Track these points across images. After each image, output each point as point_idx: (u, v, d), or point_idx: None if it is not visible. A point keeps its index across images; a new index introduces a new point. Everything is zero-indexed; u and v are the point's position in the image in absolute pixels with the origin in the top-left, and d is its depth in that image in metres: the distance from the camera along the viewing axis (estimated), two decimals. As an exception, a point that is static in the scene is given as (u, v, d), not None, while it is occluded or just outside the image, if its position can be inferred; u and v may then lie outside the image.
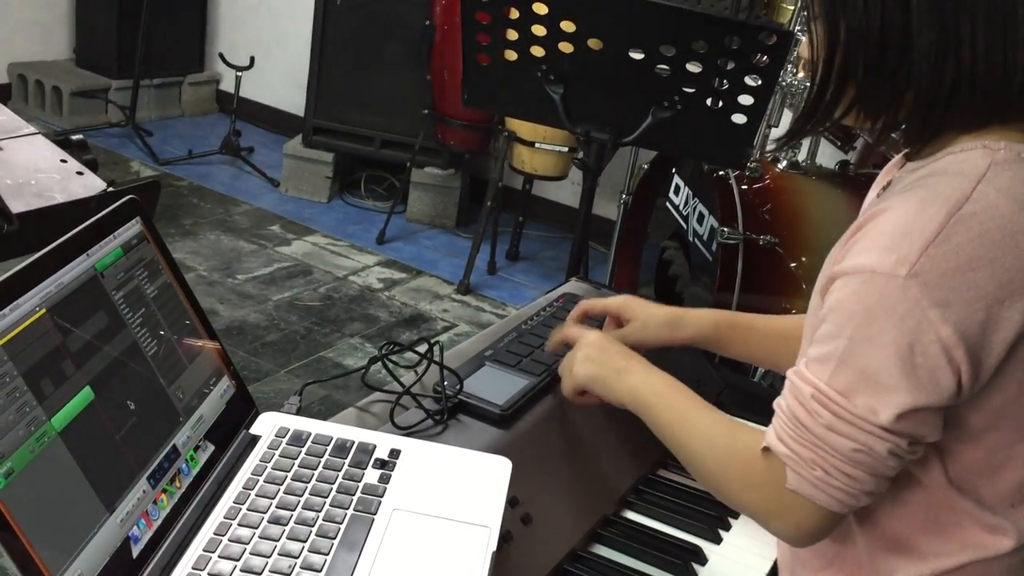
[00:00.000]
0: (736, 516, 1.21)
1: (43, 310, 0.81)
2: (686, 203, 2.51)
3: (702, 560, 1.12)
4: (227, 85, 4.80)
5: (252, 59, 4.22)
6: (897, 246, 0.84)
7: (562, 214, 4.10)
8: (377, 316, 3.30)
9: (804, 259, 2.33)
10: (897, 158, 1.04)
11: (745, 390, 1.48)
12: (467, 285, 3.52)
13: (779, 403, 0.93)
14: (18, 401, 0.76)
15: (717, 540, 1.16)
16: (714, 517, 1.20)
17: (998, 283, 0.83)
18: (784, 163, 2.47)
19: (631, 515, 1.19)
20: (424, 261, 3.74)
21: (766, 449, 0.92)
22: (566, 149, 3.42)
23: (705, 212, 2.38)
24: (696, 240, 2.42)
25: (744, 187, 2.32)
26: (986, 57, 0.86)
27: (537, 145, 3.39)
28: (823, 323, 0.90)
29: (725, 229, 2.22)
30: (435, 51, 3.59)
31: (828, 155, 3.08)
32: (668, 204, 2.60)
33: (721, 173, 2.32)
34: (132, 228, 0.96)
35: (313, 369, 2.94)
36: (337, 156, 4.09)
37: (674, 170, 2.60)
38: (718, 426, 1.01)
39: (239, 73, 4.16)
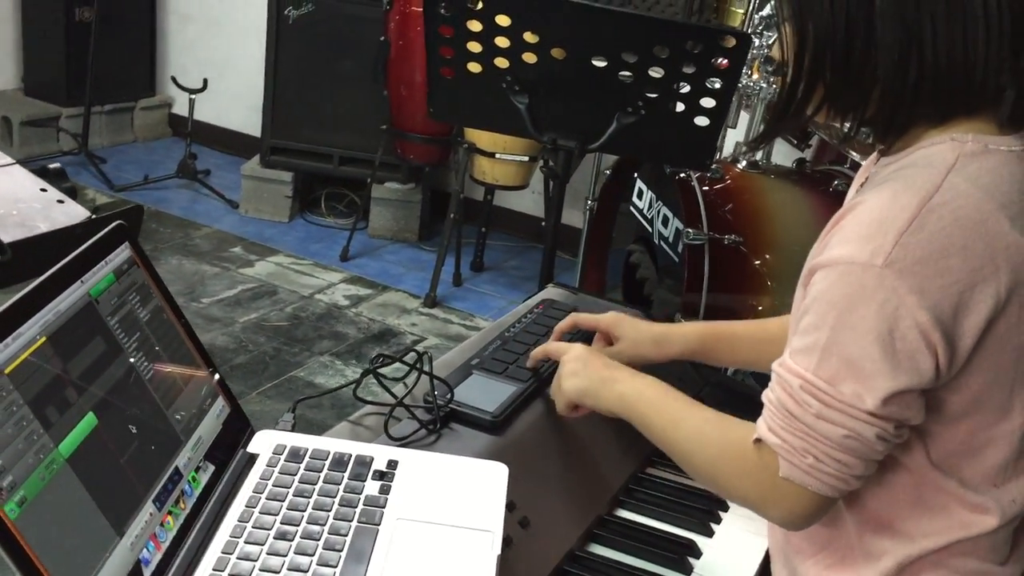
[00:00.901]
0: (725, 509, 1.24)
1: (43, 338, 0.82)
2: (649, 206, 2.54)
3: (697, 553, 1.15)
4: (179, 108, 4.77)
5: (205, 81, 4.20)
6: (873, 236, 0.87)
7: (524, 223, 4.12)
8: (346, 333, 3.30)
9: (768, 256, 2.38)
10: (874, 155, 1.08)
11: (725, 387, 1.51)
12: (434, 298, 3.53)
13: (767, 396, 0.95)
14: (26, 429, 0.76)
15: (709, 533, 1.19)
16: (704, 511, 1.22)
17: (969, 269, 0.87)
18: (743, 163, 2.52)
19: (624, 513, 1.21)
20: (389, 276, 3.74)
21: (758, 440, 0.95)
22: (526, 158, 3.45)
23: (669, 214, 2.42)
24: (662, 243, 2.45)
25: (705, 188, 2.36)
26: (947, 53, 0.89)
27: (498, 156, 3.41)
28: (805, 314, 0.93)
29: (690, 230, 2.25)
30: (391, 67, 3.60)
31: (783, 154, 3.14)
32: (632, 208, 2.63)
33: (683, 175, 2.36)
34: (122, 253, 0.97)
35: (284, 389, 2.93)
36: (296, 175, 4.08)
37: (636, 174, 2.63)
38: (709, 423, 1.04)
39: (192, 96, 4.14)
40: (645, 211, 2.57)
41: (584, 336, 1.34)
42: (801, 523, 0.96)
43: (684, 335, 1.29)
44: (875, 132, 0.99)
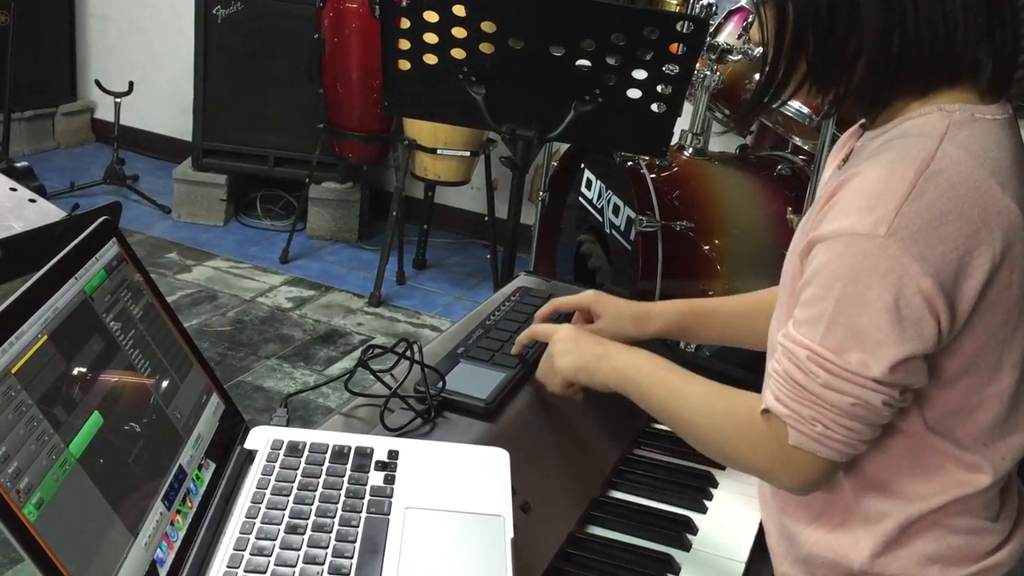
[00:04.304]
0: (715, 485, 1.25)
1: (45, 336, 0.79)
2: (599, 196, 2.56)
3: (693, 530, 1.16)
4: (103, 113, 4.64)
5: (131, 84, 4.10)
6: (874, 207, 0.89)
7: (465, 220, 4.11)
8: (291, 336, 3.25)
9: (717, 242, 2.41)
10: (852, 130, 1.10)
11: (698, 365, 1.52)
12: (379, 297, 3.49)
13: (773, 367, 0.97)
14: (37, 430, 0.74)
15: (703, 510, 1.20)
16: (695, 488, 1.24)
17: (966, 234, 0.89)
18: (690, 150, 2.55)
19: (618, 494, 1.22)
20: (331, 277, 3.70)
21: (765, 411, 0.97)
22: (468, 153, 3.44)
23: (620, 203, 2.44)
24: (614, 231, 2.47)
25: (654, 176, 2.39)
26: (929, 22, 0.92)
27: (439, 151, 3.39)
28: (808, 286, 0.94)
29: (643, 218, 2.28)
30: (326, 64, 3.56)
31: (719, 141, 3.19)
32: (581, 199, 2.65)
33: (631, 163, 2.38)
34: (111, 249, 0.94)
35: (233, 395, 2.85)
36: (230, 177, 4.00)
37: (583, 165, 2.65)
38: (711, 393, 1.05)
39: (118, 100, 4.03)
40: (595, 201, 2.58)
41: (565, 320, 1.34)
42: (811, 488, 0.98)
43: (663, 312, 1.30)
44: (859, 106, 1.01)
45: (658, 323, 1.28)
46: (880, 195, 0.89)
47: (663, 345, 1.51)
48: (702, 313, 1.30)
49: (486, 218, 3.62)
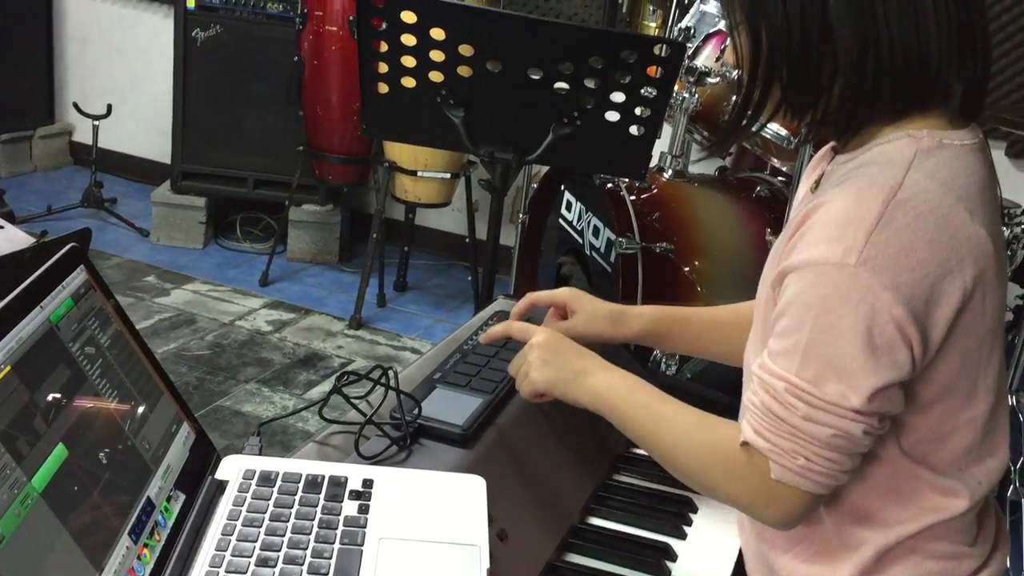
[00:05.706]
0: (695, 511, 1.24)
1: (8, 367, 0.77)
2: (579, 218, 2.56)
3: (672, 556, 1.15)
4: (81, 136, 4.61)
5: (109, 107, 4.07)
6: (843, 237, 0.88)
7: (446, 241, 4.10)
8: (271, 359, 3.23)
9: (697, 263, 2.41)
10: (823, 152, 1.10)
11: (678, 388, 1.51)
12: (359, 320, 3.48)
13: (750, 399, 0.95)
14: (-2, 464, 0.72)
15: (682, 536, 1.19)
16: (674, 514, 1.22)
17: (937, 261, 0.89)
18: (669, 172, 2.55)
19: (596, 521, 1.20)
20: (311, 299, 3.68)
21: (745, 444, 0.95)
22: (448, 175, 3.43)
23: (600, 225, 2.44)
24: (594, 253, 2.46)
25: (633, 198, 2.39)
26: (902, 49, 0.91)
27: (419, 173, 3.38)
28: (782, 317, 0.93)
29: (623, 240, 2.27)
30: (305, 87, 3.55)
31: (697, 164, 3.20)
32: (561, 221, 2.64)
33: (611, 185, 2.38)
34: (78, 277, 0.92)
35: (211, 420, 2.85)
36: (209, 200, 3.98)
37: (563, 187, 2.64)
38: (693, 422, 1.03)
39: (96, 122, 4.01)
40: (575, 223, 2.58)
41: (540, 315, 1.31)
42: (793, 523, 0.96)
43: (640, 316, 1.27)
44: (832, 131, 1.00)
45: (634, 326, 1.26)
46: (848, 224, 0.89)
47: (643, 368, 1.50)
48: (678, 320, 1.28)
49: (467, 240, 3.62)
